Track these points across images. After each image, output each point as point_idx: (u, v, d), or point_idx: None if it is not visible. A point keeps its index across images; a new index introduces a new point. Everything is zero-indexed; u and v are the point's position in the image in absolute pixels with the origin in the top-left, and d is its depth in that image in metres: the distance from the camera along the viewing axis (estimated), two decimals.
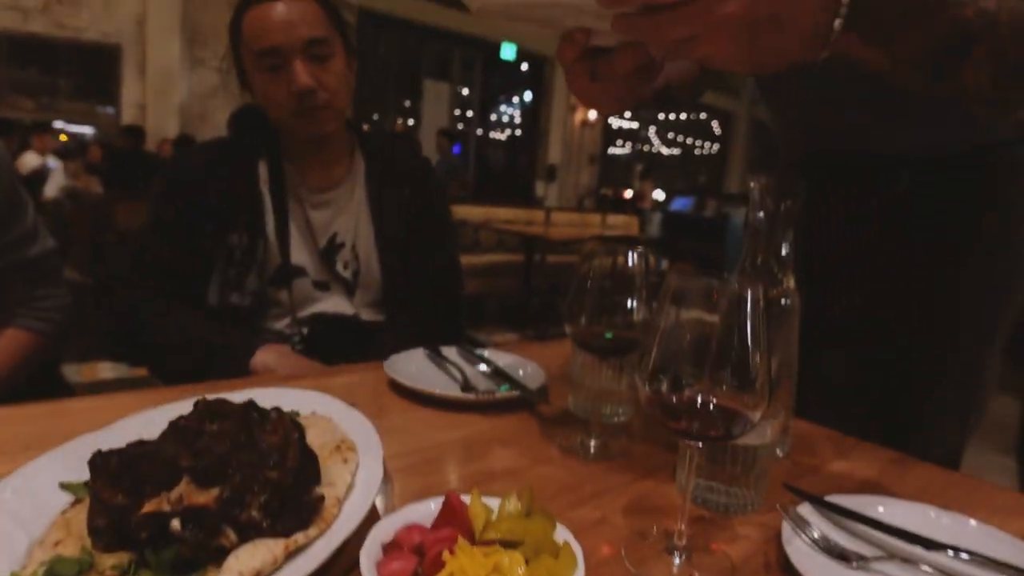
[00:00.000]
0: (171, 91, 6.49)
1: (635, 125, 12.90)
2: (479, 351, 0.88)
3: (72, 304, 1.03)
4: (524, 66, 10.31)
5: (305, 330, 1.06)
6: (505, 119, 11.28)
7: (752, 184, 0.60)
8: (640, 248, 0.62)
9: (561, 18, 0.49)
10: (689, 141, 14.05)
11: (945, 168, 0.77)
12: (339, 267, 1.09)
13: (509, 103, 11.18)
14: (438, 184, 1.22)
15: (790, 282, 0.61)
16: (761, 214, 0.60)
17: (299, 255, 1.06)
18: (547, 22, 0.51)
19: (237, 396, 0.50)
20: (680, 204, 8.78)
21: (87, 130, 6.71)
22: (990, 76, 0.45)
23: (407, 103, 9.65)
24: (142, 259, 1.02)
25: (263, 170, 1.05)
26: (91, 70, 6.30)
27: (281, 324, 1.06)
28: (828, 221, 0.85)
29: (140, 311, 0.98)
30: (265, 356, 0.93)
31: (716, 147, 13.92)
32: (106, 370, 3.11)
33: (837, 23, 0.41)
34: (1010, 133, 0.75)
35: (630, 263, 0.61)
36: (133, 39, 6.31)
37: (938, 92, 0.49)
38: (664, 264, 7.16)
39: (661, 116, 13.17)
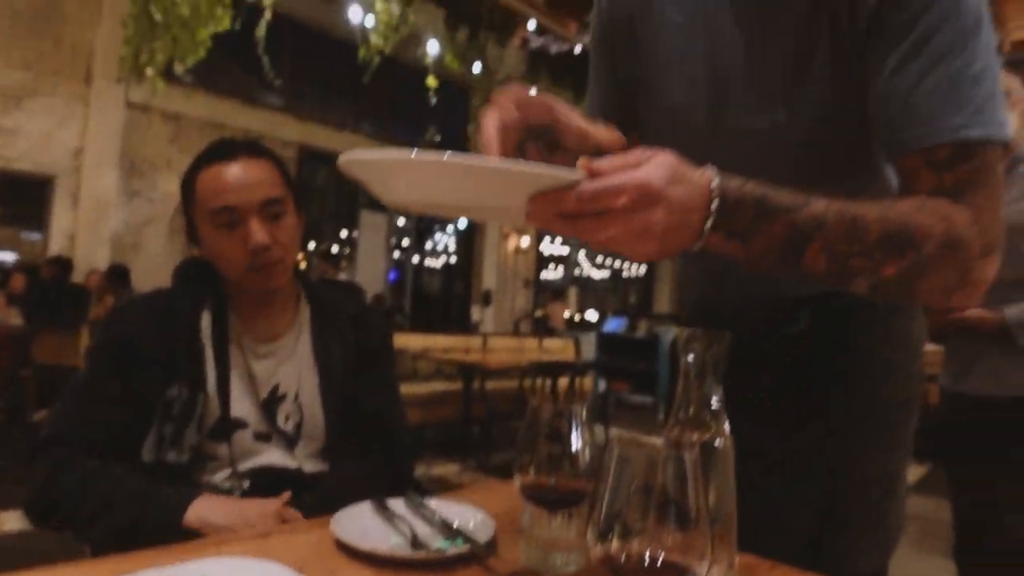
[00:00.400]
0: (104, 221, 6.44)
1: (565, 251, 13.42)
2: (426, 501, 0.88)
3: None
4: None
5: (246, 484, 1.02)
6: (440, 247, 11.57)
7: (678, 333, 0.65)
8: (586, 402, 0.65)
9: (480, 213, 0.58)
10: (617, 264, 14.66)
11: (840, 307, 0.85)
12: (280, 419, 1.07)
13: (444, 231, 11.52)
14: (382, 331, 1.23)
15: (723, 427, 0.65)
16: (691, 357, 0.65)
17: (240, 407, 1.04)
18: (466, 213, 0.61)
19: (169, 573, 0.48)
20: (613, 325, 9.02)
21: (10, 256, 6.51)
22: (825, 263, 0.59)
23: (344, 233, 9.81)
24: (71, 417, 0.99)
25: (206, 321, 1.05)
26: (20, 198, 6.21)
27: (220, 478, 1.02)
28: (736, 362, 0.91)
29: (63, 473, 0.93)
30: (200, 509, 0.90)
31: (643, 269, 14.56)
32: (12, 520, 2.88)
33: (708, 224, 0.54)
34: None
35: (575, 419, 0.65)
36: (68, 170, 6.30)
37: (786, 275, 0.63)
38: (602, 385, 7.27)
39: None
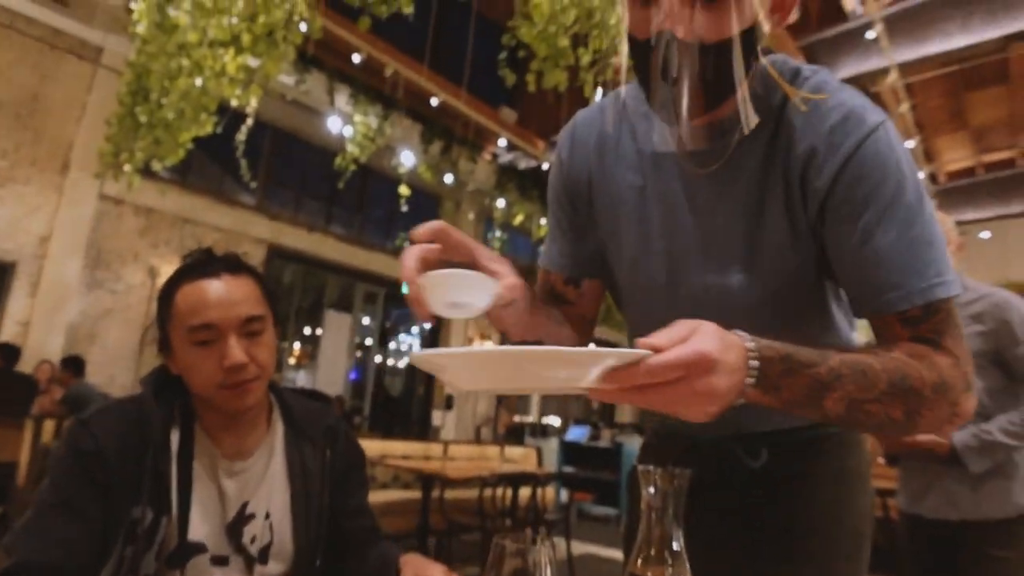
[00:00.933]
0: (62, 310, 6.30)
1: None
2: None
3: None
4: None
5: None
6: (404, 347, 11.51)
7: (642, 470, 0.69)
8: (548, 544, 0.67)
9: (546, 390, 0.64)
10: None
11: (796, 443, 0.92)
12: (246, 539, 1.04)
13: (409, 332, 11.50)
14: (354, 444, 1.22)
15: (684, 567, 0.68)
16: (652, 491, 0.68)
17: (201, 530, 1.01)
18: (531, 391, 0.68)
19: None
20: (576, 433, 8.96)
21: None
22: (844, 408, 0.68)
23: (307, 331, 9.74)
24: (39, 542, 0.92)
25: (174, 438, 1.03)
26: None
27: None
28: (696, 498, 0.95)
29: None
30: None
31: None
32: None
33: (751, 381, 0.63)
34: None
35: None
36: (31, 257, 6.22)
37: (812, 418, 0.71)
38: (564, 496, 7.13)
39: None
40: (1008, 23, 5.99)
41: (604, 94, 0.87)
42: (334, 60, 6.81)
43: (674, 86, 0.69)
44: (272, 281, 8.35)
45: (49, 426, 3.27)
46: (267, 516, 1.06)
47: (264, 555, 1.05)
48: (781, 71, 0.78)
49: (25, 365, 5.49)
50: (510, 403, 11.82)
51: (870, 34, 5.64)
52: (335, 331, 9.75)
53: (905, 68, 6.65)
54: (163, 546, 0.97)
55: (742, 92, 0.71)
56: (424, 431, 9.99)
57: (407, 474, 4.72)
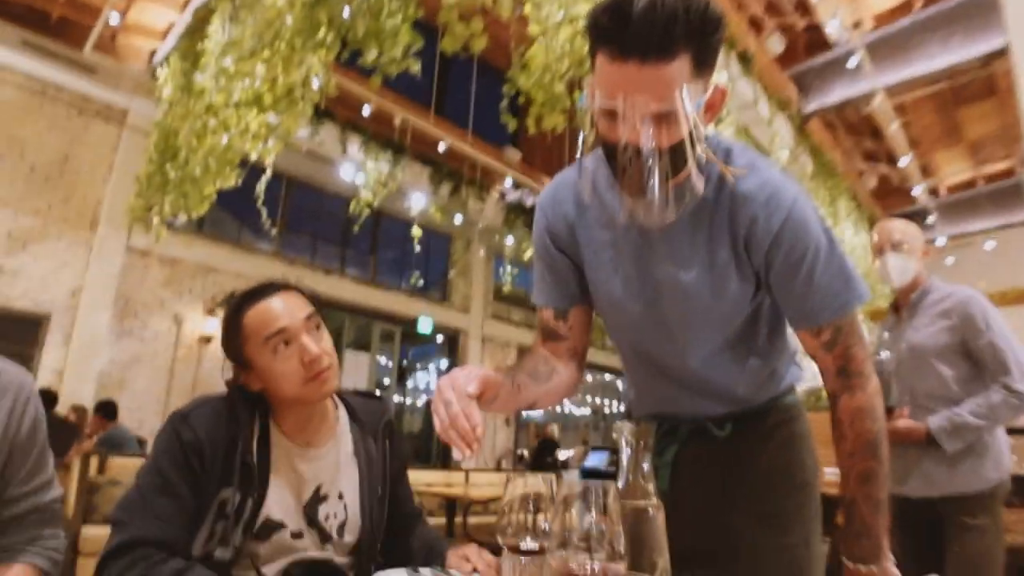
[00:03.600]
0: (92, 359, 6.58)
1: None
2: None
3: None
4: (440, 338, 11.01)
5: None
6: (422, 385, 11.69)
7: (619, 428, 0.90)
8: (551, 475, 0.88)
9: None
10: (599, 401, 14.77)
11: (752, 416, 1.16)
12: (321, 518, 1.21)
13: (425, 370, 11.70)
14: (403, 440, 1.43)
15: (652, 495, 0.88)
16: (628, 451, 0.89)
17: (280, 509, 1.18)
18: None
19: None
20: (595, 459, 9.02)
21: None
22: (877, 498, 1.04)
23: None
24: (146, 517, 1.07)
25: (256, 432, 1.20)
26: (13, 334, 6.35)
27: (263, 570, 1.16)
28: (679, 467, 1.17)
29: (156, 572, 1.02)
30: None
31: (623, 406, 14.62)
32: None
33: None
34: (776, 391, 1.18)
35: (541, 487, 0.87)
36: (64, 308, 6.53)
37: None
38: None
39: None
40: (986, 41, 6.23)
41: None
42: (346, 112, 7.16)
43: (636, 177, 0.90)
44: None
45: (94, 462, 3.51)
46: (340, 496, 1.24)
47: (341, 530, 1.22)
48: (716, 150, 1.01)
49: (60, 410, 5.75)
50: (532, 440, 11.91)
51: (853, 60, 5.89)
52: (354, 370, 9.94)
53: (893, 89, 6.90)
54: (249, 522, 1.14)
55: (689, 175, 0.93)
56: (445, 465, 10.11)
57: (431, 500, 4.86)
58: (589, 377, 14.09)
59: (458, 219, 8.40)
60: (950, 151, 9.99)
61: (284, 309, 1.20)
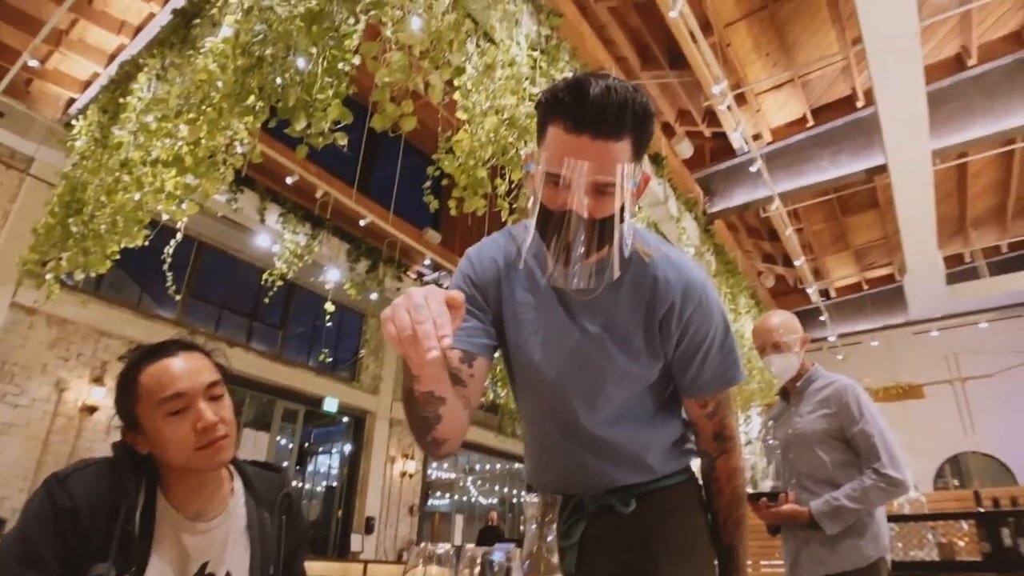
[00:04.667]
0: None
1: (453, 475, 13.21)
2: None
3: None
4: (345, 419, 10.63)
5: None
6: (323, 469, 11.14)
7: (527, 501, 0.89)
8: None
9: None
10: (506, 490, 14.47)
11: (656, 491, 1.20)
12: None
13: (328, 454, 11.18)
14: (302, 515, 1.33)
15: (557, 570, 0.87)
16: (533, 526, 0.89)
17: None
18: None
19: None
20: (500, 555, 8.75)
21: None
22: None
23: None
24: None
25: (140, 500, 1.11)
26: None
27: None
28: (586, 544, 1.19)
29: None
30: None
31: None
32: None
33: None
34: (680, 463, 1.24)
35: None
36: None
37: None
38: None
39: (477, 467, 13.66)
40: (868, 159, 6.94)
41: (516, 219, 1.12)
42: (267, 180, 7.09)
43: (569, 243, 0.96)
44: None
45: None
46: (227, 575, 1.15)
47: None
48: (636, 234, 1.13)
49: None
50: (436, 531, 11.49)
51: (753, 168, 6.40)
52: (252, 451, 9.39)
53: (788, 196, 7.50)
54: None
55: (615, 249, 1.00)
56: (343, 556, 9.54)
57: None
58: (497, 465, 13.87)
59: (374, 297, 8.32)
60: (838, 256, 10.86)
61: (185, 371, 1.14)
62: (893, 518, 3.46)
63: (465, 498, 13.54)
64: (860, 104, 7.28)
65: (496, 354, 1.21)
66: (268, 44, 2.88)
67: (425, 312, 0.74)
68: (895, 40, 4.98)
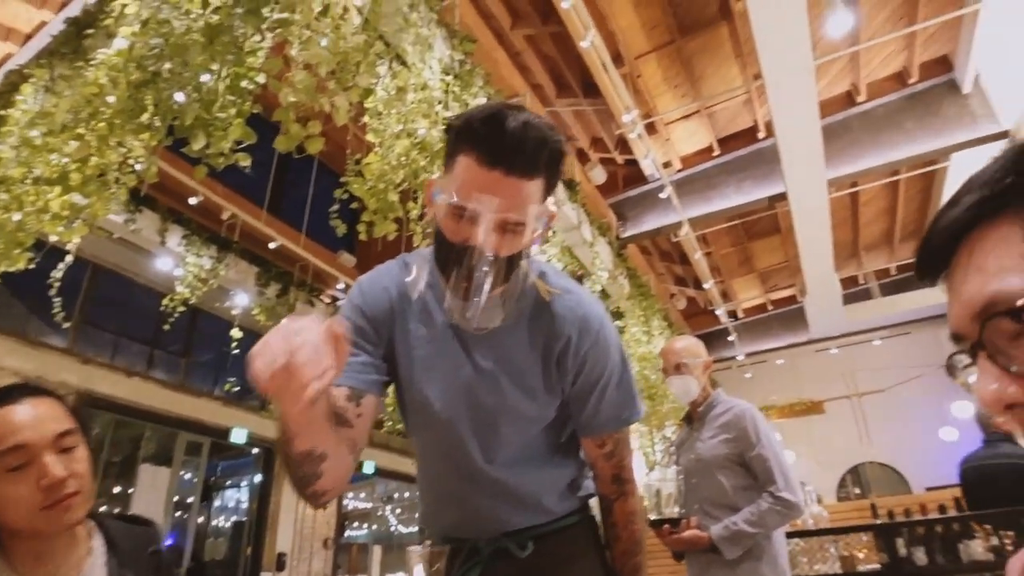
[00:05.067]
0: None
1: (370, 505, 12.85)
2: None
3: None
4: (255, 451, 10.16)
5: None
6: (231, 504, 10.58)
7: (410, 551, 0.85)
8: None
9: None
10: None
11: (552, 533, 1.17)
12: None
13: (237, 487, 10.64)
14: (175, 573, 1.23)
15: None
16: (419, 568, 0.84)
17: None
18: None
19: None
20: None
21: None
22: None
23: (117, 489, 8.73)
24: None
25: None
26: None
27: None
28: None
29: None
30: None
31: None
32: None
33: None
34: (577, 504, 1.22)
35: None
36: None
37: None
38: None
39: (396, 495, 13.35)
40: (770, 187, 7.30)
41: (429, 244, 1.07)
42: (170, 200, 6.74)
43: (469, 279, 0.92)
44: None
45: None
46: None
47: None
48: (532, 267, 1.10)
49: None
50: (353, 564, 11.11)
51: (663, 194, 6.61)
52: (150, 488, 8.81)
53: (697, 222, 7.79)
54: None
55: (516, 287, 1.00)
56: None
57: None
58: (417, 493, 13.53)
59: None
60: (745, 278, 11.34)
61: (29, 421, 1.01)
62: (798, 534, 3.58)
63: (384, 528, 13.16)
64: (762, 135, 7.66)
65: (390, 389, 1.15)
66: (165, 59, 2.73)
67: (300, 344, 0.66)
68: (792, 76, 5.28)
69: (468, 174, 0.91)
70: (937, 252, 0.49)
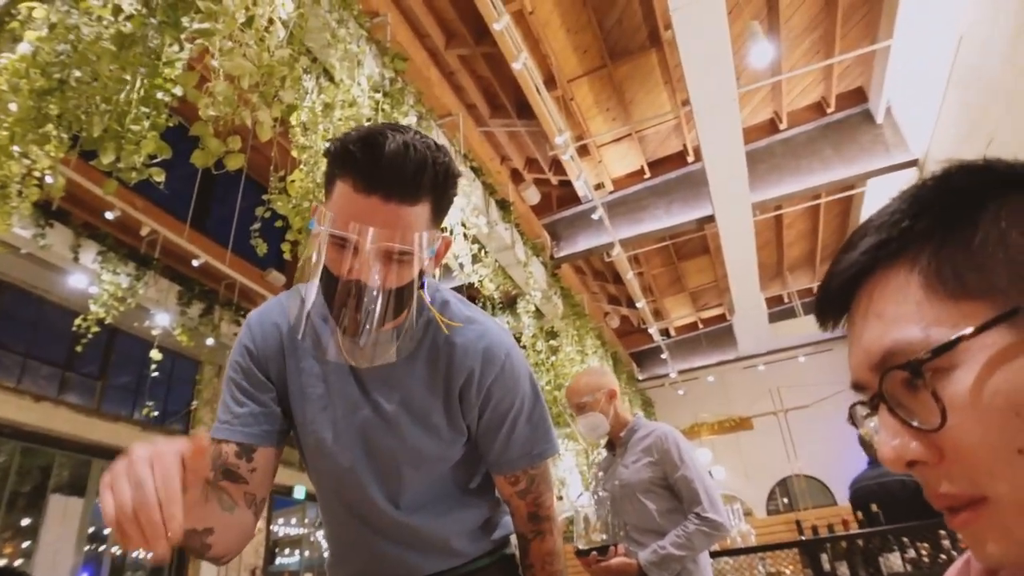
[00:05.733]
0: None
1: (301, 531, 12.43)
2: None
3: None
4: None
5: None
6: None
7: None
8: None
9: None
10: None
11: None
12: None
13: None
14: None
15: None
16: None
17: None
18: None
19: None
20: None
21: None
22: None
23: (25, 521, 8.15)
24: None
25: None
26: None
27: None
28: None
29: None
30: None
31: None
32: None
33: None
34: (491, 544, 1.16)
35: None
36: None
37: None
38: None
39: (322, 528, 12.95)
40: (698, 209, 7.50)
41: None
42: (84, 214, 6.41)
43: (354, 313, 0.86)
44: None
45: None
46: None
47: None
48: (434, 300, 1.04)
49: None
50: None
51: (596, 216, 6.69)
52: (60, 519, 8.27)
53: (629, 242, 7.92)
54: None
55: (409, 321, 0.93)
56: None
57: None
58: None
59: (210, 342, 7.72)
60: (676, 298, 11.59)
61: None
62: (727, 552, 3.63)
63: (317, 553, 12.73)
64: (691, 159, 7.88)
65: (289, 435, 1.08)
66: (72, 66, 2.59)
67: (150, 485, 0.57)
68: (717, 103, 5.45)
69: (344, 201, 0.84)
70: (836, 296, 0.48)
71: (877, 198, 7.81)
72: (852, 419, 0.49)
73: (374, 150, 0.82)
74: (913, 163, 6.72)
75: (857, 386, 0.47)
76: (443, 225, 0.97)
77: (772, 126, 7.62)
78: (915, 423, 0.41)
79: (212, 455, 0.99)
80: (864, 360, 0.45)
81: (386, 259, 0.86)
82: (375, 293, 0.85)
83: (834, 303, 0.48)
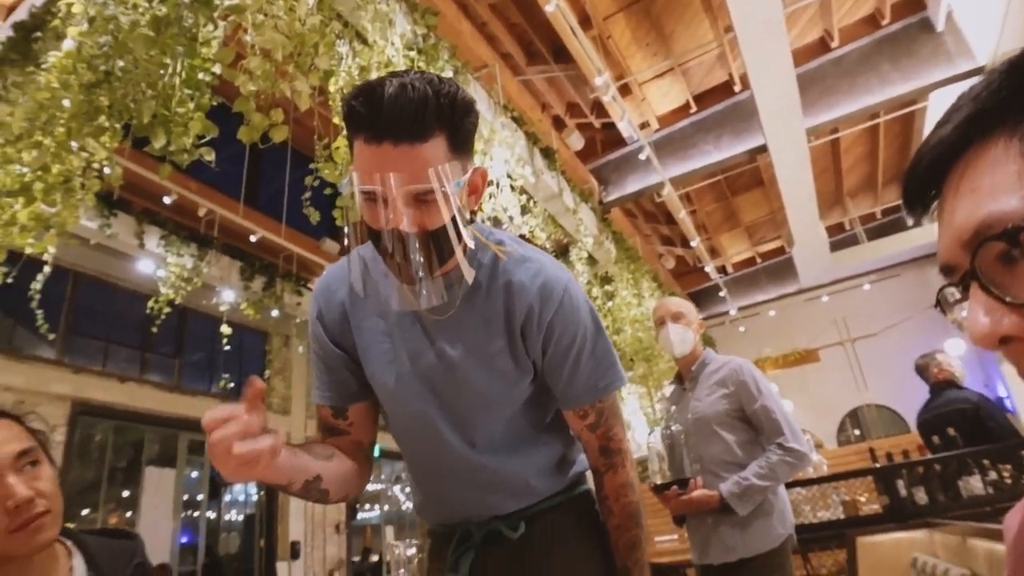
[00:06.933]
0: None
1: (380, 486, 12.92)
2: None
3: None
4: None
5: None
6: (240, 498, 10.63)
7: (388, 544, 0.83)
8: None
9: None
10: None
11: (542, 513, 1.14)
12: None
13: (243, 482, 10.68)
14: None
15: None
16: (402, 571, 0.83)
17: None
18: None
19: None
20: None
21: None
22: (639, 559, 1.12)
23: (125, 493, 8.74)
24: None
25: None
26: None
27: None
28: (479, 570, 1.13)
29: None
30: None
31: None
32: None
33: None
34: (567, 481, 1.18)
35: None
36: None
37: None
38: None
39: (404, 474, 13.44)
40: (749, 140, 7.24)
41: None
42: (143, 201, 6.64)
43: (405, 262, 0.88)
44: (80, 444, 7.51)
45: None
46: None
47: None
48: (488, 238, 1.05)
49: None
50: (366, 544, 11.20)
51: (643, 156, 6.54)
52: (156, 490, 8.83)
53: (678, 181, 7.74)
54: None
55: (460, 257, 0.93)
56: None
57: None
58: None
59: (275, 314, 7.97)
60: (731, 234, 11.33)
61: None
62: (801, 483, 3.61)
63: (394, 507, 13.26)
64: (738, 88, 7.58)
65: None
66: (115, 56, 2.65)
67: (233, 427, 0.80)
68: (763, 27, 5.19)
69: (362, 156, 0.86)
70: (925, 178, 0.44)
71: (941, 112, 7.38)
72: (940, 305, 0.46)
73: (374, 100, 0.83)
74: (979, 71, 6.29)
75: (946, 268, 0.44)
76: (475, 161, 0.97)
77: (823, 45, 7.24)
78: (1009, 298, 0.39)
79: (318, 419, 1.14)
80: (955, 237, 0.41)
81: (414, 202, 0.87)
82: (411, 237, 0.87)
83: (923, 186, 0.45)
